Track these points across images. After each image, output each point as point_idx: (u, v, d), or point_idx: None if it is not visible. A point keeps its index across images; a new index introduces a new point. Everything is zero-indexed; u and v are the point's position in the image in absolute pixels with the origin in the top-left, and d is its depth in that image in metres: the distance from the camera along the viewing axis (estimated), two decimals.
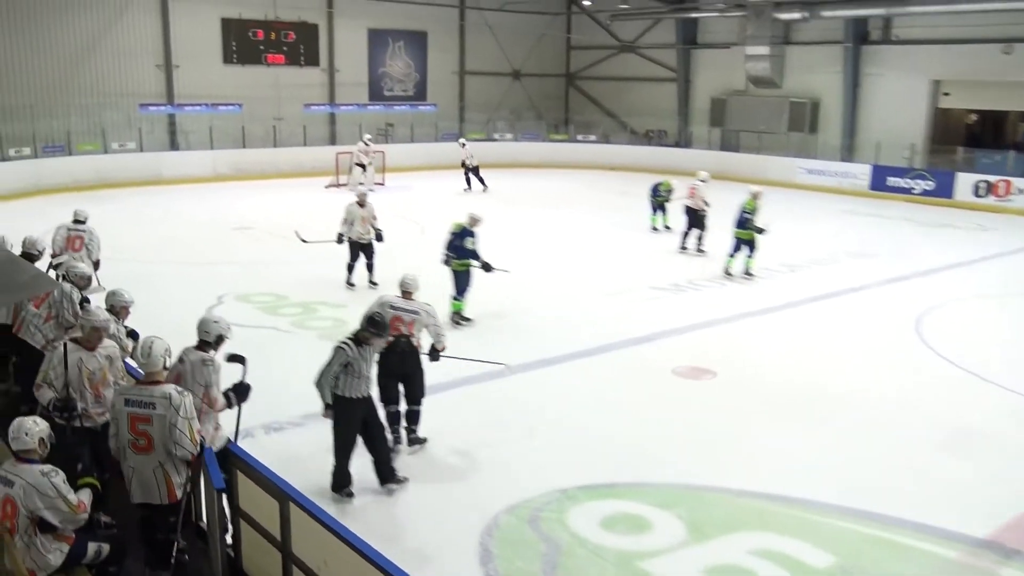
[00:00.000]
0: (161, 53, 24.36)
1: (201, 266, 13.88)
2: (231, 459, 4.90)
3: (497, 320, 11.01)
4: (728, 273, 13.47)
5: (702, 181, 15.59)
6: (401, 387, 7.22)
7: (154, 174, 23.00)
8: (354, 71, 28.07)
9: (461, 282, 10.65)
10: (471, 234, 10.59)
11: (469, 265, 10.56)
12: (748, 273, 13.46)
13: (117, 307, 6.43)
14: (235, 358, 5.66)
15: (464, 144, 23.34)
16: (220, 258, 14.48)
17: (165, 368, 5.00)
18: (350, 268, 12.48)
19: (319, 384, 6.32)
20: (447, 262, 10.64)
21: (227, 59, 25.30)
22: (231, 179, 23.84)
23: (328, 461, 6.47)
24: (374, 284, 12.21)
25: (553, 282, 13.14)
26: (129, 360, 6.33)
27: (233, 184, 23.28)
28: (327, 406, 6.35)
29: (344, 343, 6.33)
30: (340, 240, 12.45)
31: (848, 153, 24.88)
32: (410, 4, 26.75)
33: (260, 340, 9.92)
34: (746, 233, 13.31)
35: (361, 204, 12.41)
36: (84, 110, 22.99)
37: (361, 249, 12.41)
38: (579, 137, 30.03)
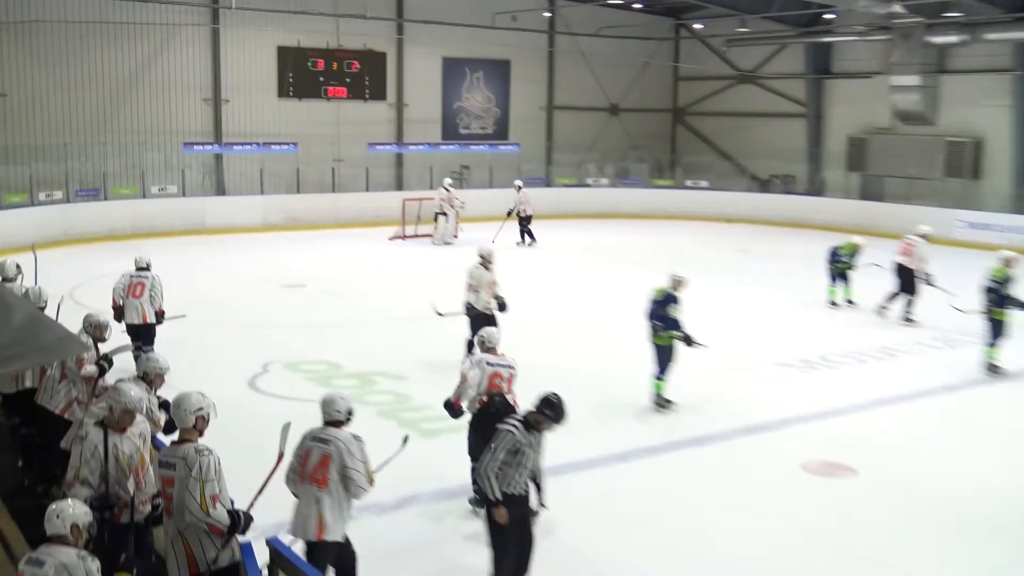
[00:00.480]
0: (210, 86, 25.51)
1: (246, 328, 14.23)
2: (272, 556, 4.92)
3: (585, 398, 10.87)
4: (994, 367, 12.31)
5: (922, 236, 15.16)
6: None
7: (197, 222, 23.94)
8: (425, 106, 28.82)
9: (664, 358, 10.57)
10: (675, 300, 10.49)
11: (674, 337, 10.52)
12: (992, 367, 12.36)
13: (151, 375, 6.62)
14: (405, 440, 6.42)
15: (520, 187, 23.53)
16: (268, 320, 14.83)
17: (196, 428, 5.31)
18: (472, 346, 11.71)
19: (484, 476, 6.19)
20: (655, 333, 10.57)
21: (282, 92, 26.31)
22: (283, 229, 24.58)
23: (383, 565, 6.43)
24: None
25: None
26: (160, 436, 6.49)
27: (285, 235, 24.00)
28: (496, 502, 6.18)
29: (512, 426, 6.25)
30: (469, 311, 11.88)
31: (1021, 203, 24.13)
32: (491, 30, 27.32)
33: (310, 417, 10.01)
34: (1000, 312, 12.16)
35: (486, 266, 11.99)
36: (122, 150, 24.12)
37: (485, 322, 11.69)
38: (688, 183, 29.97)
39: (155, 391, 6.63)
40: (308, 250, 21.83)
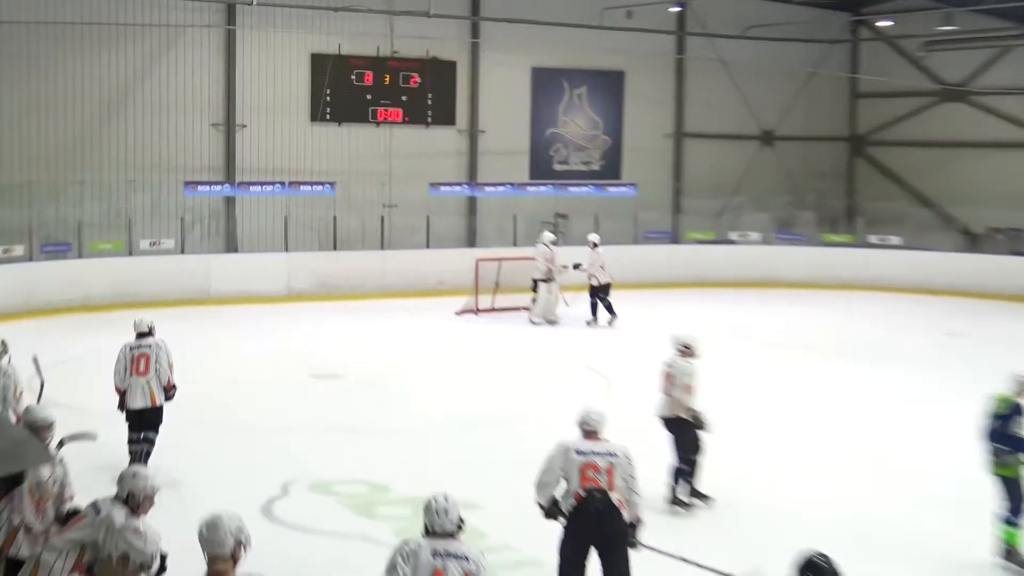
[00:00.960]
0: (220, 107, 26.14)
1: (261, 434, 14.23)
2: None
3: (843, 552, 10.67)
4: None
5: None
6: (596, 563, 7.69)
7: (199, 289, 24.31)
8: (508, 132, 29.14)
9: (1015, 493, 10.20)
10: (1021, 412, 10.27)
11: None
12: None
13: (139, 496, 6.63)
14: None
15: (596, 245, 23.13)
16: (290, 422, 14.82)
17: (235, 558, 5.43)
18: (689, 472, 11.69)
19: None
20: (998, 460, 10.27)
21: (317, 115, 26.81)
22: (313, 299, 24.85)
23: None
24: (703, 498, 11.61)
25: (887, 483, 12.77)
26: None
27: (315, 307, 24.22)
28: None
29: None
30: (676, 424, 11.60)
31: None
32: (598, 31, 27.51)
33: (344, 556, 10.03)
34: None
35: (690, 356, 11.92)
36: (103, 191, 24.78)
37: (696, 438, 11.69)
38: (872, 239, 29.38)
39: (142, 516, 6.66)
40: (346, 328, 21.99)
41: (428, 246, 27.06)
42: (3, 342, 10.86)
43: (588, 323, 22.75)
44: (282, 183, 25.94)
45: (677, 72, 31.03)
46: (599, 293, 22.82)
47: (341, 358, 18.97)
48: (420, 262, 26.50)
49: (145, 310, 22.08)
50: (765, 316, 24.25)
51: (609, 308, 22.73)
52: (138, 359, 11.78)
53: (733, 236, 29.95)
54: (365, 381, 17.42)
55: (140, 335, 12.07)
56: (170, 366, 12.05)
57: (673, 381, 11.68)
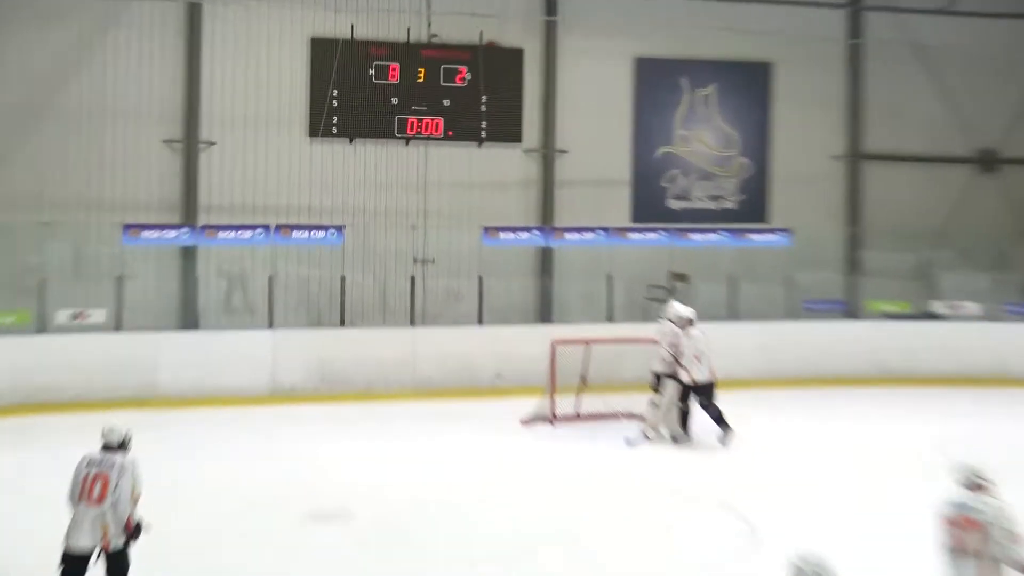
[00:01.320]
0: (178, 116, 26.22)
1: None
2: None
3: None
4: None
5: None
6: None
7: (144, 383, 24.01)
8: (600, 154, 29.23)
9: None
10: None
11: None
12: None
13: None
14: None
15: (691, 322, 22.06)
16: None
17: None
18: None
19: None
20: None
21: (318, 128, 26.86)
22: (310, 399, 24.61)
23: None
24: None
25: None
26: None
27: (314, 412, 23.92)
28: None
29: None
30: None
31: None
32: (733, 3, 27.89)
33: None
34: None
35: (986, 492, 11.67)
36: (5, 239, 24.70)
37: None
38: None
39: None
40: (358, 445, 21.59)
41: (480, 322, 26.77)
42: None
43: (675, 439, 21.87)
44: (266, 227, 25.71)
45: (850, 64, 31.16)
46: (699, 395, 21.78)
47: (350, 491, 18.35)
48: (468, 346, 26.09)
49: (64, 415, 22.35)
50: (992, 430, 23.13)
51: (718, 418, 21.68)
52: (93, 481, 11.92)
53: (938, 308, 29.52)
54: (385, 525, 16.77)
55: (106, 447, 12.27)
56: (135, 499, 12.08)
57: (987, 530, 11.06)
